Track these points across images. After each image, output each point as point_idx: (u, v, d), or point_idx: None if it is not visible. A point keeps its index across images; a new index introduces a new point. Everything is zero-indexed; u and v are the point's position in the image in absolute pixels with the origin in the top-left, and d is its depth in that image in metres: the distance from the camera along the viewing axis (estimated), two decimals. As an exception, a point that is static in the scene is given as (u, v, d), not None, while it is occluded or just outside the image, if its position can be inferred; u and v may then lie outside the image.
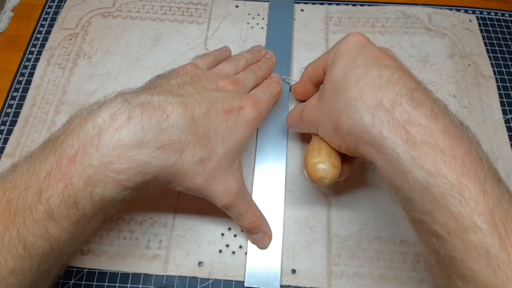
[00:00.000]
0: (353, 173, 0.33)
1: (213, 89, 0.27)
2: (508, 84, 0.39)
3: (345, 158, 0.27)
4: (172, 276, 0.30)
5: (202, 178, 0.24)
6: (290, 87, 0.37)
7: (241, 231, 0.32)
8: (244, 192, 0.28)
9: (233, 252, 0.31)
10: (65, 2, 0.44)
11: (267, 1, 0.44)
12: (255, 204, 0.30)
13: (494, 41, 0.41)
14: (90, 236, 0.31)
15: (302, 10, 0.43)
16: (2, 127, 0.37)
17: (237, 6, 0.44)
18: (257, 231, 0.30)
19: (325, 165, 0.26)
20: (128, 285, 0.30)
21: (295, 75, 0.39)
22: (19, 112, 0.37)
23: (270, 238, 0.31)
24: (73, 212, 0.21)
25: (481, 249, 0.17)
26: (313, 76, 0.31)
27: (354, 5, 0.44)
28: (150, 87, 0.26)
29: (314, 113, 0.27)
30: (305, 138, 0.35)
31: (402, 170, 0.20)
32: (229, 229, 0.32)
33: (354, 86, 0.23)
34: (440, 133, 0.20)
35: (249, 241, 0.31)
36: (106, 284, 0.30)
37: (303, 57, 0.40)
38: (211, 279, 0.30)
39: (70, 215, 0.21)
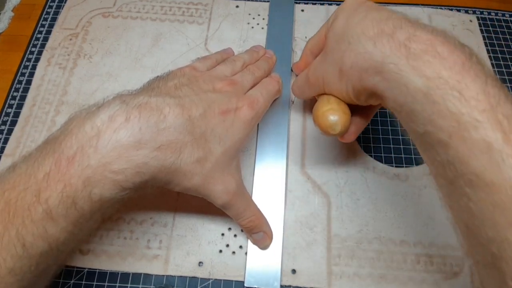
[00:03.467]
0: (353, 173, 0.34)
1: (210, 90, 0.27)
2: (509, 85, 0.39)
3: (355, 111, 0.28)
4: (172, 276, 0.30)
5: (200, 177, 0.25)
6: (291, 68, 0.38)
7: (241, 231, 0.32)
8: (242, 191, 0.28)
9: (233, 252, 0.31)
10: (65, 2, 0.44)
11: (268, 1, 0.44)
12: (254, 203, 0.30)
13: (495, 41, 0.41)
14: (89, 236, 0.31)
15: (302, 10, 0.43)
16: (3, 127, 0.37)
17: (237, 6, 0.44)
18: (257, 231, 0.30)
19: (335, 112, 0.26)
20: (128, 285, 0.30)
21: (295, 76, 0.39)
22: (19, 112, 0.37)
23: (271, 238, 0.31)
24: (72, 212, 0.21)
25: (483, 144, 0.16)
26: (315, 47, 0.32)
27: (355, 5, 0.44)
28: (148, 89, 0.26)
29: (318, 68, 0.28)
30: (306, 135, 0.35)
31: (404, 83, 0.20)
32: (229, 229, 0.32)
33: (356, 26, 0.23)
34: (440, 44, 0.20)
35: (249, 241, 0.31)
36: (106, 284, 0.30)
37: (303, 57, 0.40)
38: (211, 279, 0.30)
39: (69, 215, 0.21)
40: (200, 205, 0.32)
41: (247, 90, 0.30)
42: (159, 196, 0.33)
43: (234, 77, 0.30)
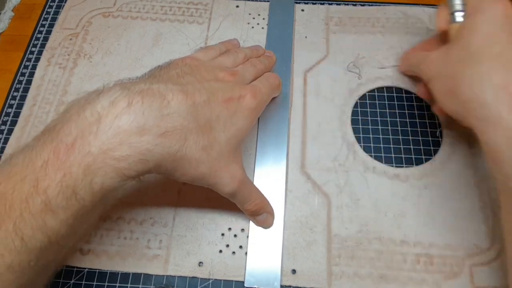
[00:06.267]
0: (353, 173, 0.34)
1: (213, 79, 0.27)
2: (509, 84, 0.39)
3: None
4: (172, 276, 0.30)
5: (206, 166, 0.24)
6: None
7: (241, 230, 0.32)
8: (247, 177, 0.28)
9: (233, 252, 0.31)
10: (65, 2, 0.44)
11: (268, 1, 0.44)
12: (256, 186, 0.30)
13: (495, 41, 0.41)
14: (88, 235, 0.31)
15: (302, 10, 0.43)
16: (3, 127, 0.37)
17: (237, 6, 0.44)
18: (261, 212, 0.30)
19: None
20: (128, 285, 0.30)
21: (296, 75, 0.39)
22: (19, 112, 0.37)
23: (273, 215, 0.31)
24: (72, 203, 0.20)
25: None
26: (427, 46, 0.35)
27: (355, 5, 0.44)
28: (149, 76, 0.25)
29: (431, 66, 0.30)
30: (306, 134, 0.35)
31: None
32: (229, 229, 0.32)
33: (488, 61, 0.25)
34: None
35: (249, 241, 0.31)
36: (106, 284, 0.30)
37: (303, 57, 0.40)
38: (211, 279, 0.30)
39: (69, 206, 0.20)
40: (200, 205, 0.32)
41: (249, 82, 0.30)
42: (159, 195, 0.33)
43: (236, 68, 0.30)
